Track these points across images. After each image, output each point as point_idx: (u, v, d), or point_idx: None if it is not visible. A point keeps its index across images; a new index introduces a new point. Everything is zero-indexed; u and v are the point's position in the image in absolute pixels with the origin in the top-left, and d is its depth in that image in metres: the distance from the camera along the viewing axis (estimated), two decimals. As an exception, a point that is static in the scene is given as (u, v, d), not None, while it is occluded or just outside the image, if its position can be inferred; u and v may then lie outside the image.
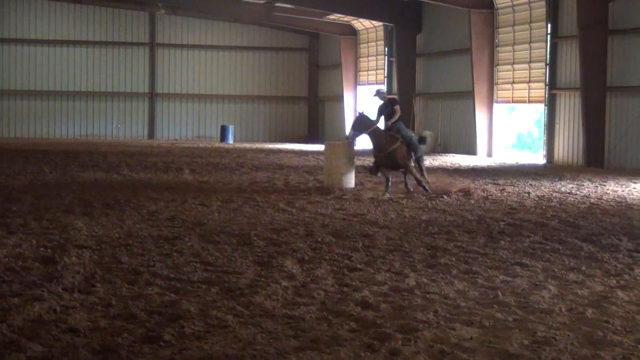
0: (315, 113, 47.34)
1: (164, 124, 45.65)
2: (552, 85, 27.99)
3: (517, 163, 27.94)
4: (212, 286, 8.03)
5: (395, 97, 18.08)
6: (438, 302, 7.54)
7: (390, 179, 17.06)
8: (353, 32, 42.28)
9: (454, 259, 9.71)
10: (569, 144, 27.33)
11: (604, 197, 16.74)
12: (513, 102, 31.03)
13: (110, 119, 45.30)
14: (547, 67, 28.22)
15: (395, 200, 15.84)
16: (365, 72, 41.92)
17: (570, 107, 27.34)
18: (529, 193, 17.38)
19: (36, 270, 8.61)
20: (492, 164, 27.14)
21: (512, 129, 33.02)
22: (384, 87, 17.64)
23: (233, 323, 6.70)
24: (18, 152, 29.45)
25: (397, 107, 17.22)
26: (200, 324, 6.63)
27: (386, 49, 38.96)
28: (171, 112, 45.98)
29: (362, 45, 42.12)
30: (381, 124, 17.27)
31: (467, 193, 16.72)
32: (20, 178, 19.23)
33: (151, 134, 45.17)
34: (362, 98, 42.34)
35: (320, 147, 35.22)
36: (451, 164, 27.33)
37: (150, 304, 7.28)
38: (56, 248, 9.91)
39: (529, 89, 29.50)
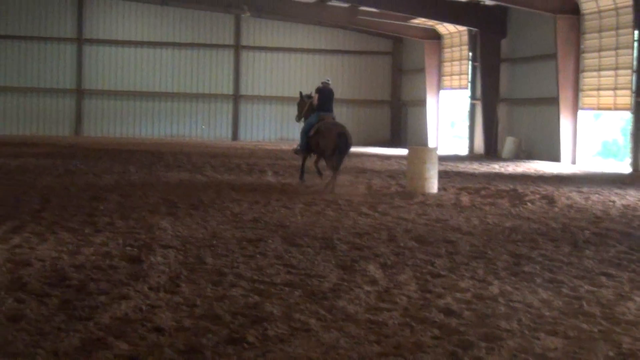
0: (397, 117, 47.18)
1: (248, 125, 46.02)
2: (639, 92, 27.34)
3: (602, 171, 27.36)
4: (295, 289, 8.05)
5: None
6: (522, 311, 7.42)
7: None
8: (437, 36, 42.00)
9: (538, 267, 9.55)
10: (656, 152, 26.70)
11: (695, 208, 16.26)
12: (598, 109, 30.40)
13: (194, 120, 45.89)
14: (634, 74, 27.56)
15: (478, 206, 15.68)
16: (449, 77, 41.59)
17: (657, 114, 26.70)
18: (614, 202, 17.01)
19: (123, 269, 8.75)
20: (577, 172, 26.64)
21: (598, 136, 32.39)
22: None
23: (316, 327, 6.69)
24: (105, 151, 30.06)
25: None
26: (283, 327, 6.64)
27: (470, 53, 38.60)
28: (255, 114, 46.36)
29: (446, 50, 41.81)
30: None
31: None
32: (106, 177, 19.62)
33: (235, 136, 45.61)
34: (446, 102, 42.08)
35: (402, 152, 35.13)
36: (535, 170, 26.92)
37: (234, 305, 7.32)
38: (142, 247, 10.06)
39: (615, 96, 28.83)
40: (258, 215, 13.49)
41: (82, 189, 16.60)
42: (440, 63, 42.16)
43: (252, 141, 44.20)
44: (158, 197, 15.56)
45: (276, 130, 46.36)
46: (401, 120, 47.00)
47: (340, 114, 46.67)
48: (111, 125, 45.13)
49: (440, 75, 42.22)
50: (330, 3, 41.11)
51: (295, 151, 20.51)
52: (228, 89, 46.06)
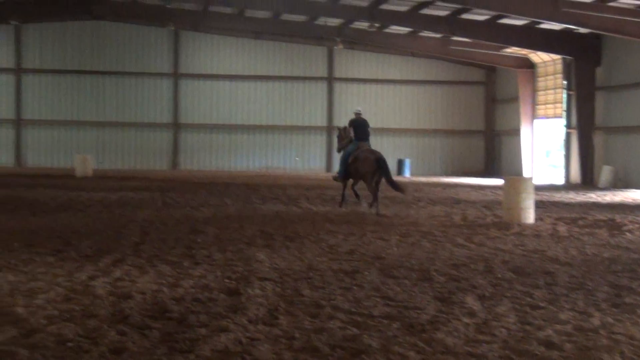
0: (492, 147, 46.72)
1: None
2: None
3: None
4: (393, 321, 7.98)
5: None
6: (624, 343, 7.22)
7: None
8: (531, 65, 41.52)
9: (639, 298, 9.30)
10: None
11: None
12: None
13: (289, 152, 46.33)
14: None
15: (575, 237, 15.37)
16: (543, 106, 41.03)
17: None
18: None
19: (222, 302, 8.80)
20: (679, 200, 25.86)
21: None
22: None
23: (415, 359, 6.62)
24: (201, 184, 30.55)
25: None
26: (382, 360, 6.57)
27: (565, 82, 38.03)
28: (347, 145, 46.57)
29: (539, 79, 41.28)
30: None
31: None
32: (203, 210, 19.90)
33: (329, 167, 45.81)
34: (540, 131, 41.46)
35: (497, 182, 34.74)
36: (633, 200, 26.29)
37: (332, 338, 7.29)
38: (240, 280, 10.13)
39: None
40: (354, 246, 13.48)
41: (180, 222, 16.86)
42: (534, 92, 41.64)
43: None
44: (254, 229, 15.70)
45: (369, 161, 46.42)
46: (495, 150, 46.53)
47: (434, 145, 46.70)
48: (207, 158, 45.92)
49: (534, 104, 41.67)
50: (422, 34, 41.10)
51: (335, 178, 22.08)
52: (321, 121, 46.37)
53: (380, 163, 20.23)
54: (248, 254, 12.39)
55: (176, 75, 45.75)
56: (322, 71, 46.50)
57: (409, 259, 12.15)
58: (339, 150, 22.27)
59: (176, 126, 45.60)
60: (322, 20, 40.99)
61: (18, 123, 44.71)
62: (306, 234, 15.00)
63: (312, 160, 46.27)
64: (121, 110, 45.58)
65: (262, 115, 46.20)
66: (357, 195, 21.26)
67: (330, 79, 46.41)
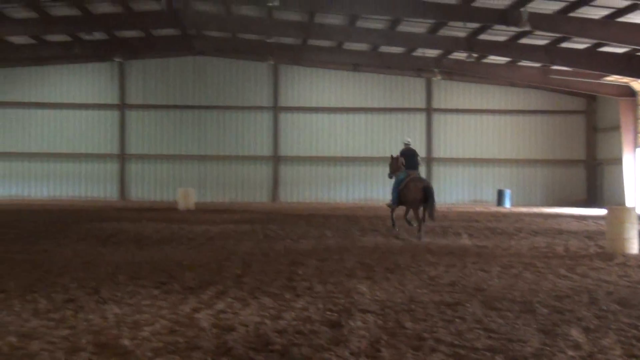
0: (593, 176, 45.73)
1: (441, 187, 45.85)
2: None
3: None
4: (496, 354, 7.90)
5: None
6: None
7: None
8: (632, 93, 40.55)
9: None
10: None
11: None
12: None
13: (388, 184, 46.17)
14: None
15: (685, 267, 14.92)
16: (646, 134, 40.03)
17: None
18: None
19: (324, 334, 8.84)
20: None
21: None
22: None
23: (519, 394, 6.53)
24: (301, 216, 30.75)
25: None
26: (485, 394, 6.50)
27: (669, 109, 37.03)
28: (447, 176, 46.21)
29: (642, 106, 40.32)
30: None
31: None
32: (304, 242, 20.02)
33: (426, 198, 45.52)
34: (645, 160, 40.42)
35: (599, 212, 33.95)
36: None
37: (434, 371, 7.25)
38: (342, 312, 10.15)
39: None
40: (455, 278, 13.37)
41: (281, 254, 16.99)
42: (636, 120, 40.64)
43: (446, 204, 44.00)
44: (355, 261, 15.72)
45: (469, 192, 46.00)
46: (597, 180, 45.52)
47: (534, 175, 45.99)
48: (306, 190, 46.22)
49: (636, 132, 40.65)
50: (521, 63, 40.65)
51: (389, 205, 23.66)
52: (420, 152, 46.11)
53: (426, 191, 21.77)
54: (349, 285, 12.40)
55: (276, 109, 46.28)
56: (421, 102, 46.40)
57: (511, 291, 11.99)
58: (390, 176, 24.09)
59: (276, 159, 46.07)
60: (420, 52, 40.96)
61: (122, 158, 45.88)
62: (407, 266, 14.95)
63: (410, 191, 46.07)
64: (222, 143, 46.33)
65: (361, 147, 46.32)
66: (409, 223, 23.09)
67: (428, 110, 46.26)
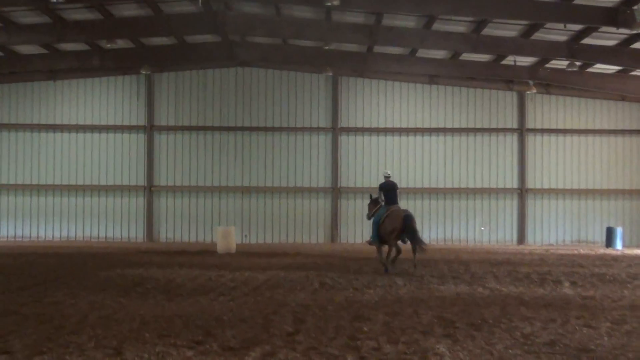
0: None
1: (536, 225, 45.52)
2: None
3: None
4: None
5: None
6: None
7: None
8: None
9: None
10: None
11: None
12: None
13: (472, 220, 45.97)
14: None
15: None
16: None
17: None
18: None
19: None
20: None
21: None
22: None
23: None
24: (366, 261, 30.69)
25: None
26: None
27: None
28: (544, 211, 45.81)
29: None
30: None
31: None
32: (369, 292, 19.96)
33: (521, 239, 45.17)
34: None
35: None
36: None
37: None
38: (415, 377, 10.11)
39: None
40: (555, 336, 13.22)
41: (342, 307, 16.95)
42: None
43: (543, 245, 43.57)
44: (432, 315, 15.63)
45: (571, 230, 45.54)
46: None
47: (654, 208, 45.42)
48: (365, 229, 46.08)
49: None
50: (634, 73, 40.27)
51: (369, 242, 27.18)
52: (511, 182, 45.89)
53: (406, 220, 25.25)
54: (425, 345, 12.32)
55: (335, 130, 46.33)
56: (512, 121, 46.15)
57: (625, 352, 11.83)
58: (369, 218, 27.40)
59: (336, 191, 46.07)
60: (510, 60, 40.81)
61: (149, 190, 46.27)
62: (495, 321, 14.82)
63: (500, 229, 45.74)
64: (270, 173, 46.50)
65: (438, 176, 46.16)
66: (385, 266, 25.82)
67: (521, 131, 45.98)
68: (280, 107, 46.68)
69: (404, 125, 46.34)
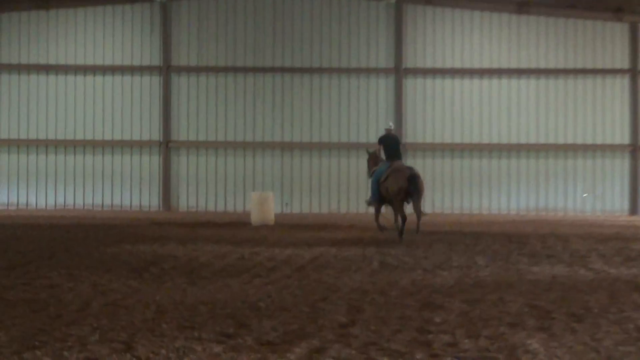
0: None
1: (656, 191, 45.26)
2: None
3: None
4: None
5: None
6: None
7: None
8: None
9: None
10: None
11: None
12: None
13: (571, 184, 45.68)
14: None
15: None
16: None
17: None
18: None
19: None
20: None
21: None
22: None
23: None
24: (437, 235, 30.63)
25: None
26: None
27: None
28: (664, 173, 45.54)
29: None
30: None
31: None
32: (442, 274, 19.91)
33: (633, 208, 44.88)
34: None
35: None
36: None
37: None
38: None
39: None
40: (679, 330, 13.12)
41: (408, 293, 16.92)
42: None
43: (665, 216, 43.36)
44: (521, 302, 15.55)
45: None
46: None
47: None
48: (445, 195, 46.00)
49: None
50: None
51: (368, 202, 29.25)
52: (622, 137, 45.53)
53: (412, 181, 26.92)
54: (513, 341, 12.26)
55: (399, 72, 46.19)
56: (622, 60, 45.76)
57: None
58: (369, 176, 29.45)
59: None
60: (620, -19, 40.46)
61: (167, 147, 46.40)
62: (602, 310, 14.72)
63: (607, 197, 45.48)
64: (316, 126, 46.48)
65: (529, 129, 45.91)
66: (380, 228, 28.77)
67: (635, 72, 45.55)
68: (330, 43, 46.55)
69: (484, 66, 46.12)
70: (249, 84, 46.63)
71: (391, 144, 28.58)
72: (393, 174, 27.35)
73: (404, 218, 27.23)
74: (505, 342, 12.25)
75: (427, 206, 45.29)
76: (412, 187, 26.94)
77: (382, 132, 45.37)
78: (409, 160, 45.79)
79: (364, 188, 45.76)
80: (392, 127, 29.77)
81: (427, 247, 26.28)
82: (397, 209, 27.53)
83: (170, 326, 13.20)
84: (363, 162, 44.47)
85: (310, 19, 46.59)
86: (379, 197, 28.04)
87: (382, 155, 29.00)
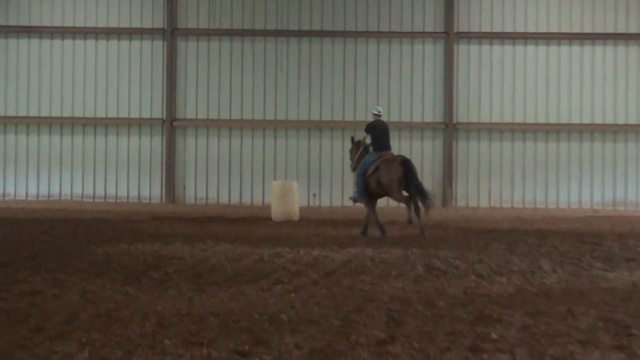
0: None
1: None
2: None
3: None
4: None
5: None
6: None
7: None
8: None
9: None
10: None
11: None
12: None
13: (651, 174, 45.70)
14: None
15: None
16: None
17: None
18: None
19: None
20: None
21: None
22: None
23: None
24: (492, 232, 30.75)
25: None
26: None
27: None
28: None
29: None
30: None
31: None
32: (500, 280, 19.91)
33: None
34: None
35: None
36: None
37: None
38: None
39: None
40: None
41: (459, 303, 16.93)
42: None
43: None
44: (594, 316, 15.54)
45: None
46: None
47: None
48: (502, 187, 45.90)
49: None
50: None
51: (354, 199, 29.83)
52: None
53: (406, 167, 27.66)
54: (585, 363, 12.28)
55: (449, 37, 46.11)
56: None
57: None
58: (353, 169, 30.33)
59: (450, 129, 45.93)
60: None
61: (170, 126, 46.42)
62: (702, 329, 14.70)
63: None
64: (350, 101, 46.54)
65: (604, 106, 45.86)
66: (363, 232, 29.66)
67: None
68: (367, 3, 46.53)
69: (552, 30, 46.09)
70: (269, 51, 46.64)
71: (380, 132, 29.11)
72: (384, 164, 28.15)
73: (416, 204, 27.84)
74: (576, 363, 12.28)
75: (482, 198, 45.33)
76: (408, 174, 27.63)
77: (428, 110, 45.65)
78: (460, 144, 45.79)
79: (407, 176, 45.81)
80: (381, 113, 30.00)
81: (482, 248, 26.28)
82: (396, 199, 28.34)
83: (174, 342, 13.25)
84: (406, 145, 44.68)
85: (343, -26, 46.65)
86: (366, 192, 28.83)
87: (370, 145, 29.65)
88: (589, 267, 22.38)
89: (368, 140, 29.66)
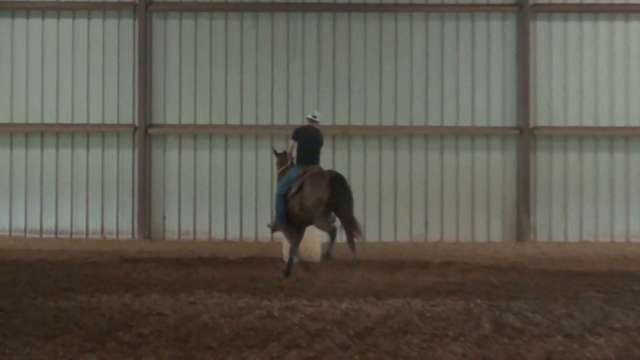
0: None
1: None
2: None
3: None
4: None
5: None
6: None
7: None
8: None
9: None
10: None
11: None
12: None
13: None
14: None
15: None
16: None
17: None
18: None
19: None
20: None
21: None
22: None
23: None
24: (587, 276, 30.73)
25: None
26: None
27: None
28: None
29: None
30: None
31: None
32: (596, 342, 19.94)
33: None
34: None
35: None
36: None
37: None
38: None
39: None
40: None
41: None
42: None
43: None
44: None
45: None
46: None
47: None
48: (597, 213, 45.90)
49: None
50: None
51: (272, 227, 31.24)
52: None
53: (335, 185, 28.30)
54: None
55: (524, 10, 46.19)
56: None
57: None
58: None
59: (525, 135, 45.99)
60: None
61: (144, 134, 46.43)
62: None
63: None
64: (389, 99, 46.61)
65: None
66: (289, 268, 30.45)
67: None
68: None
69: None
70: (278, 32, 46.62)
71: (309, 140, 29.65)
72: (308, 181, 28.66)
73: (332, 235, 28.29)
74: None
75: (570, 230, 45.38)
76: (337, 196, 28.02)
77: (496, 110, 45.71)
78: (540, 155, 45.82)
79: (468, 200, 45.80)
80: (318, 118, 30.55)
81: (571, 297, 26.31)
82: (319, 226, 28.66)
83: None
84: (466, 158, 44.71)
85: None
86: (285, 219, 29.31)
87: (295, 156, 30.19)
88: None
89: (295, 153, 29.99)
